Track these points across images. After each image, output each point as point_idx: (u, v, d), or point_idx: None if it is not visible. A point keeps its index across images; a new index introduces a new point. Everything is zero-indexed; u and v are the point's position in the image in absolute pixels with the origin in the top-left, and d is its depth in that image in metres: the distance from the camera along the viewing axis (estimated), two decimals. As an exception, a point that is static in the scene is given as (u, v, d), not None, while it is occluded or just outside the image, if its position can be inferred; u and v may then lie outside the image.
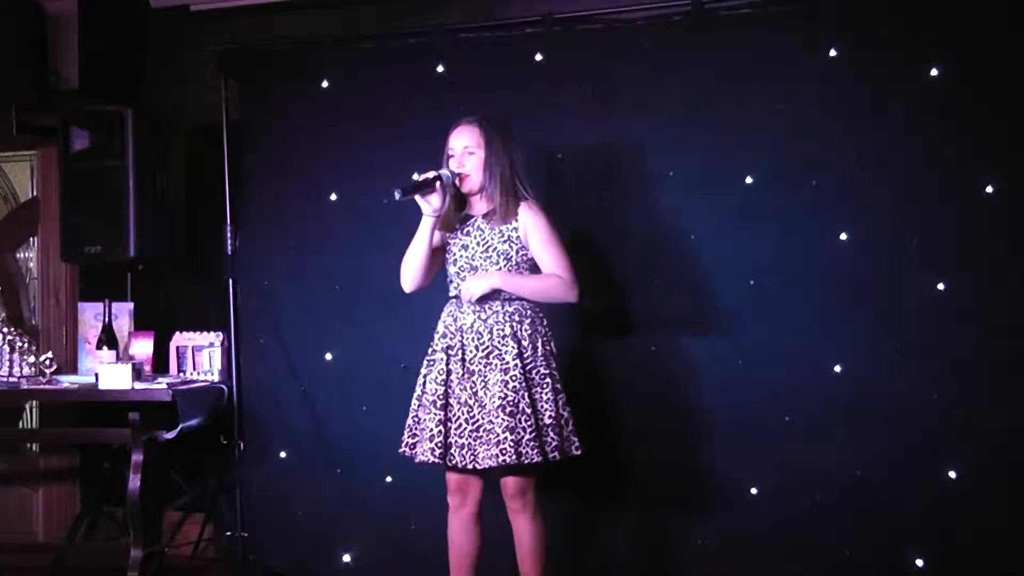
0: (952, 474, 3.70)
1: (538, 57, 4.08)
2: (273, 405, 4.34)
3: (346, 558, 4.19)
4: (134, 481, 3.96)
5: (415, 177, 3.28)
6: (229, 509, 4.41)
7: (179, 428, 4.01)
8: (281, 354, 4.32)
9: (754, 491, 3.86)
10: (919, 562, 3.71)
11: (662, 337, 3.95)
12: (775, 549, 3.83)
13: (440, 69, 4.17)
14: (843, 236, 3.79)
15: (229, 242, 4.39)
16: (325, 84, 4.30)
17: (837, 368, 3.79)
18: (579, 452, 3.29)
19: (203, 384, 4.24)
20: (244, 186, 4.40)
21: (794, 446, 3.81)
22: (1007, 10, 3.69)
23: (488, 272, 3.25)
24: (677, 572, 3.93)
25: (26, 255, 5.00)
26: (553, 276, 3.26)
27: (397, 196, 3.16)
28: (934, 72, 3.72)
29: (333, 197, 4.28)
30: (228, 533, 4.41)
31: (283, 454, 4.32)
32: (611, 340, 3.96)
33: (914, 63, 3.74)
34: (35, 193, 4.95)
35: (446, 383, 3.25)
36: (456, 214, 3.36)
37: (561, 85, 4.04)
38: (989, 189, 3.69)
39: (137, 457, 3.97)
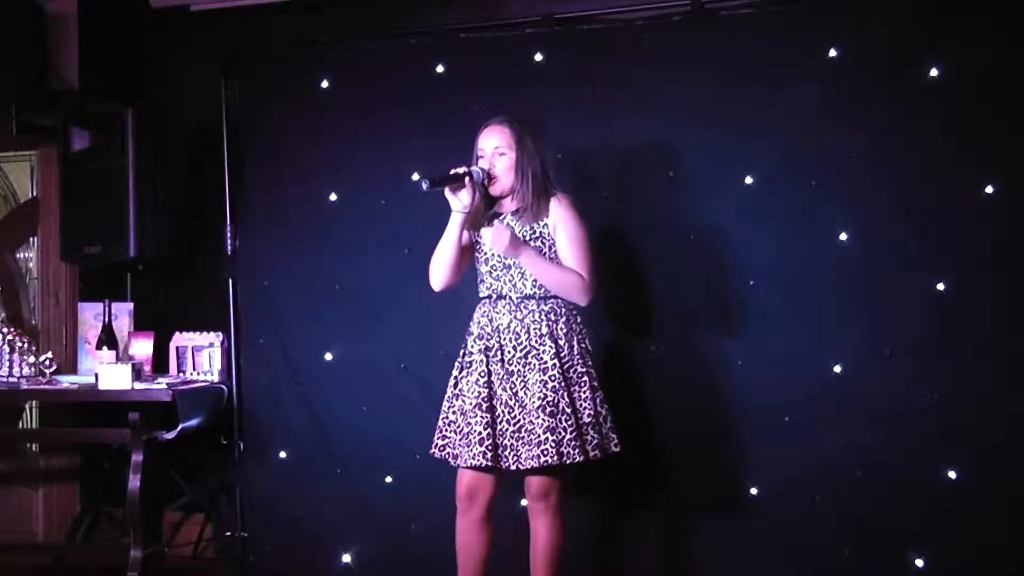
0: (952, 474, 3.70)
1: (538, 57, 4.08)
2: (273, 405, 4.34)
3: (346, 558, 4.19)
4: (134, 481, 3.96)
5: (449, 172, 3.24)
6: (229, 509, 4.41)
7: (179, 428, 4.01)
8: (281, 354, 4.32)
9: (754, 491, 3.86)
10: (919, 562, 3.72)
11: (662, 337, 3.95)
12: (775, 549, 3.83)
13: (440, 69, 4.17)
14: (843, 236, 3.79)
15: (229, 242, 4.39)
16: (325, 84, 4.30)
17: (837, 368, 3.79)
18: (618, 448, 3.29)
19: (203, 384, 4.24)
20: (244, 186, 4.40)
21: (794, 446, 3.81)
22: (1007, 10, 3.69)
23: (522, 243, 3.19)
24: (677, 572, 3.93)
25: (26, 255, 4.99)
26: (574, 273, 3.23)
27: (424, 186, 3.14)
28: (934, 72, 3.73)
29: (333, 197, 4.28)
30: (228, 533, 4.41)
31: (283, 454, 4.32)
32: (611, 340, 3.96)
33: (914, 63, 3.74)
34: (35, 193, 4.95)
35: (488, 384, 3.21)
36: (483, 211, 3.33)
37: (561, 85, 4.04)
38: (989, 189, 3.69)
39: (137, 457, 3.97)
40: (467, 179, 3.20)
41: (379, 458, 4.18)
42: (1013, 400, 3.66)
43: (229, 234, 4.39)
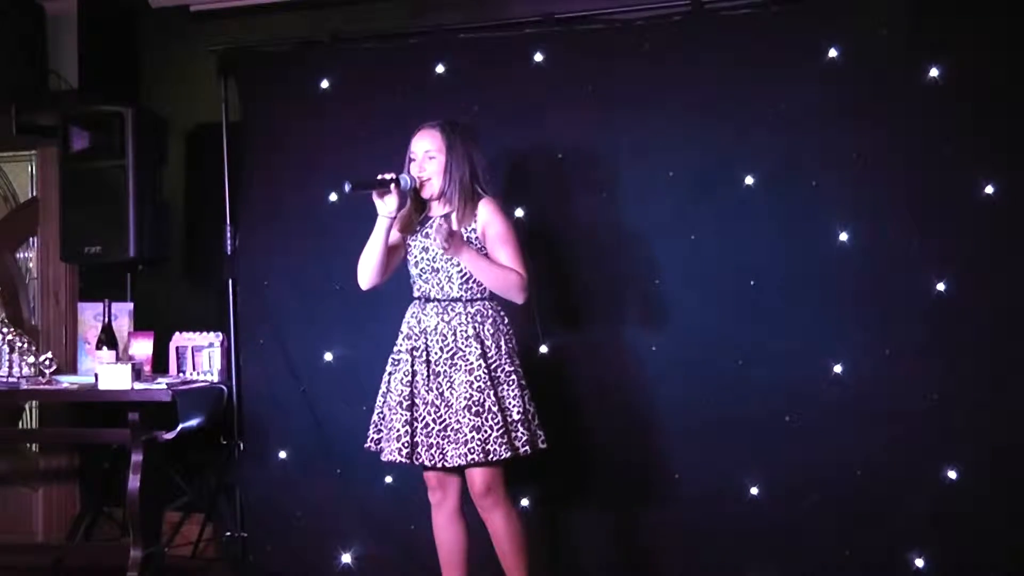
0: (952, 474, 3.70)
1: (538, 57, 4.08)
2: (273, 405, 4.34)
3: (346, 558, 4.19)
4: (134, 481, 3.96)
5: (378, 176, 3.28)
6: (229, 509, 4.41)
7: (179, 428, 4.01)
8: (281, 354, 4.32)
9: (754, 491, 3.86)
10: (919, 562, 3.71)
11: (662, 337, 3.95)
12: (775, 549, 3.83)
13: (440, 69, 4.17)
14: (843, 236, 3.79)
15: (229, 242, 4.39)
16: (325, 84, 4.30)
17: (837, 368, 3.79)
18: (545, 445, 3.36)
19: (203, 384, 4.23)
20: (244, 186, 4.40)
21: (794, 446, 3.81)
22: (1007, 10, 3.69)
23: (463, 243, 3.22)
24: (677, 572, 3.92)
25: (26, 255, 4.99)
26: (512, 270, 3.27)
27: (347, 189, 3.21)
28: (934, 72, 3.73)
29: (333, 197, 4.28)
30: (228, 533, 4.41)
31: (283, 454, 4.32)
32: (611, 340, 3.96)
33: (914, 63, 3.74)
34: (35, 193, 4.95)
35: (411, 384, 3.31)
36: (415, 216, 3.40)
37: (561, 85, 4.04)
38: (989, 189, 3.69)
39: (137, 457, 3.97)
40: (392, 185, 3.25)
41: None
42: (1013, 400, 3.66)
43: (229, 234, 4.39)
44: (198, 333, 4.34)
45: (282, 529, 4.29)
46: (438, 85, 4.17)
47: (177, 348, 4.33)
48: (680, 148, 3.94)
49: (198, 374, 4.30)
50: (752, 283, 3.87)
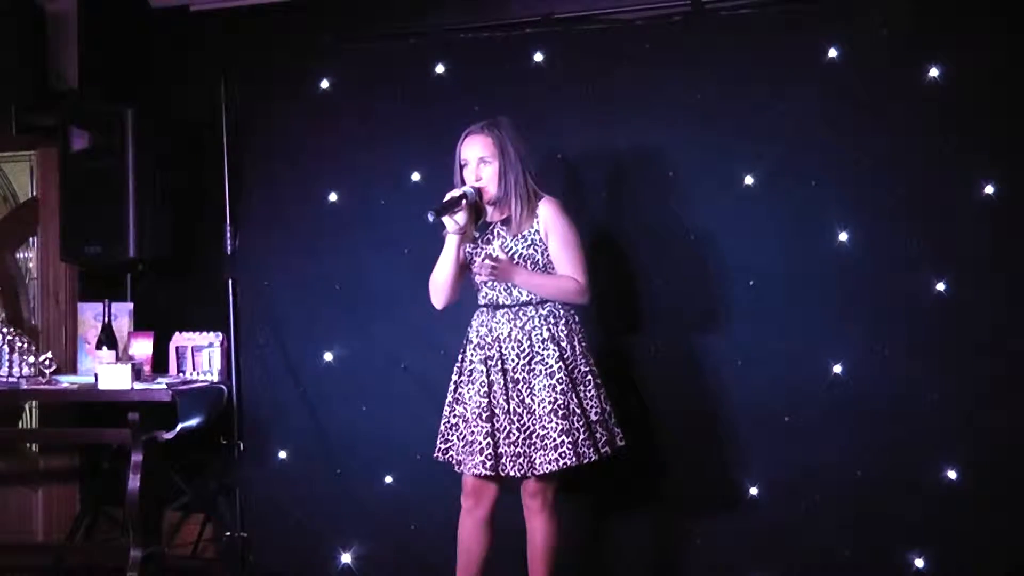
0: (952, 474, 3.70)
1: (538, 57, 4.08)
2: (273, 405, 4.34)
3: (346, 558, 4.19)
4: (134, 481, 3.96)
5: (446, 196, 3.25)
6: (229, 509, 4.41)
7: (179, 428, 4.00)
8: (281, 354, 4.32)
9: (754, 491, 3.86)
10: (919, 562, 3.71)
11: (662, 337, 3.95)
12: (775, 549, 3.83)
13: (440, 69, 4.17)
14: (843, 236, 3.79)
15: (229, 242, 4.39)
16: (325, 84, 4.30)
17: (837, 368, 3.79)
18: (623, 443, 3.34)
19: (203, 384, 4.23)
20: (244, 186, 4.40)
21: (794, 446, 3.81)
22: (1007, 10, 3.69)
23: (513, 266, 3.23)
24: (677, 572, 3.93)
25: (26, 255, 4.99)
26: (568, 279, 3.27)
27: (430, 218, 3.17)
28: (934, 72, 3.72)
29: (333, 197, 4.28)
30: (228, 533, 4.41)
31: (283, 454, 4.32)
32: (611, 340, 3.96)
33: (914, 63, 3.74)
34: (35, 193, 4.94)
35: (489, 395, 3.24)
36: (473, 224, 3.35)
37: (561, 85, 4.04)
38: (989, 189, 3.69)
39: (137, 457, 3.97)
40: (463, 201, 3.23)
41: (379, 458, 4.18)
42: (1013, 400, 3.66)
43: (229, 234, 4.39)
44: (198, 333, 4.33)
45: (282, 529, 4.29)
46: (438, 85, 4.17)
47: (177, 348, 4.33)
48: (680, 148, 3.94)
49: (198, 374, 4.30)
50: (752, 283, 3.87)
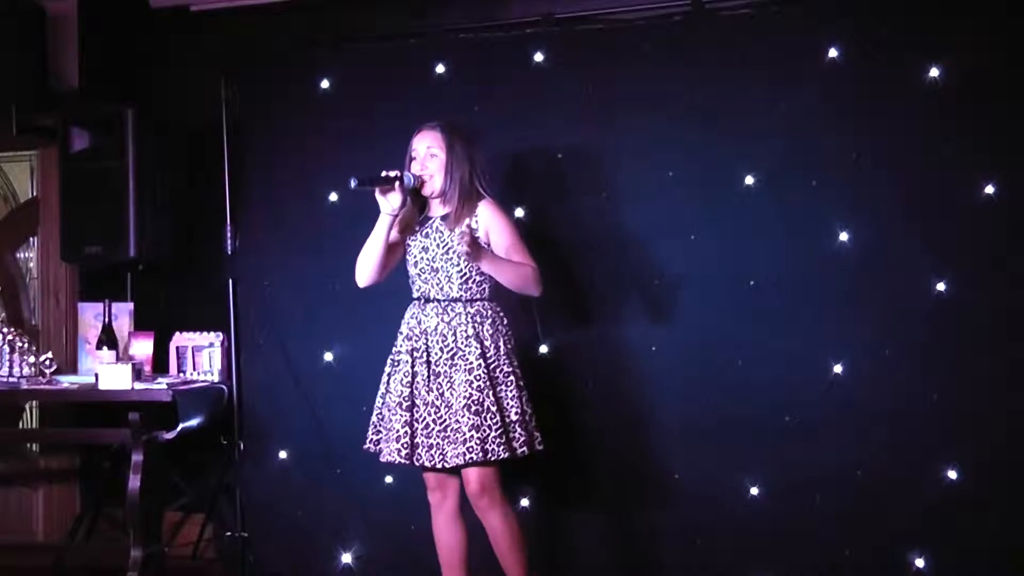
0: (952, 474, 3.70)
1: (538, 57, 4.08)
2: (273, 405, 4.34)
3: (346, 558, 4.19)
4: (134, 481, 3.96)
5: (382, 173, 3.30)
6: (229, 509, 4.41)
7: (179, 428, 4.01)
8: (281, 354, 4.32)
9: (754, 491, 3.86)
10: (919, 562, 3.72)
11: (662, 337, 3.95)
12: (775, 549, 3.83)
13: (440, 69, 4.17)
14: (843, 236, 3.79)
15: (229, 242, 4.39)
16: (325, 84, 4.30)
17: (837, 368, 3.79)
18: (542, 447, 3.37)
19: (203, 384, 4.23)
20: (244, 186, 4.40)
21: (794, 446, 3.81)
22: (1007, 10, 3.69)
23: (485, 249, 3.24)
24: (677, 572, 3.92)
25: (26, 255, 4.99)
26: (526, 265, 3.30)
27: (352, 184, 3.25)
28: (934, 72, 3.72)
29: (333, 197, 4.28)
30: (228, 533, 4.41)
31: (283, 454, 4.32)
32: (611, 340, 3.96)
33: (914, 63, 3.74)
34: (35, 193, 4.95)
35: (411, 385, 3.32)
36: (415, 216, 3.42)
37: (561, 85, 4.04)
38: (989, 189, 3.69)
39: (137, 457, 3.97)
40: (397, 183, 3.28)
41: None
42: (1013, 400, 3.66)
43: (229, 234, 4.39)
44: (198, 333, 4.34)
45: (282, 529, 4.29)
46: (438, 85, 4.17)
47: (177, 348, 4.33)
48: (680, 148, 3.94)
49: (198, 374, 4.30)
50: (752, 283, 3.87)
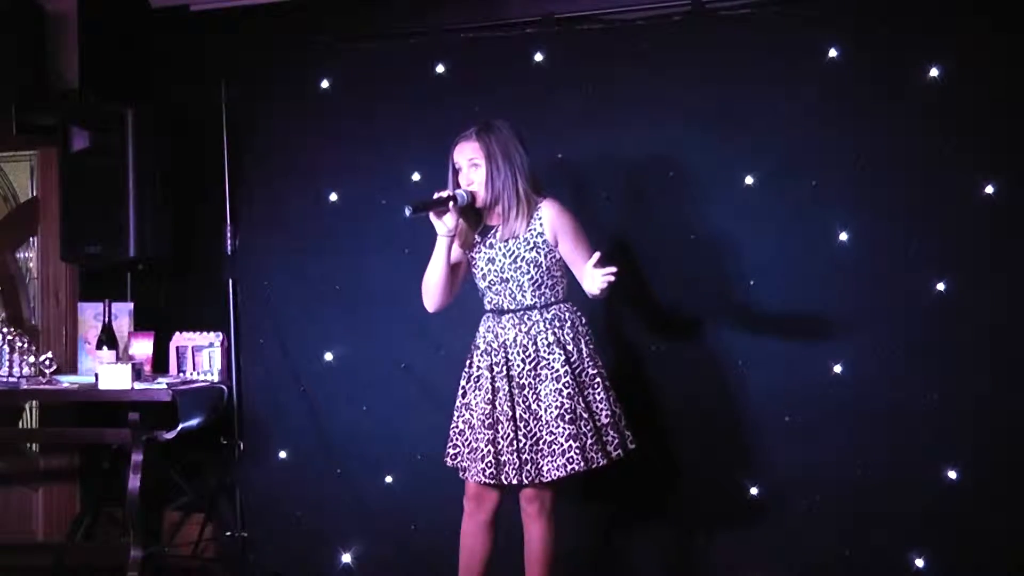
0: (952, 474, 3.70)
1: (538, 57, 4.08)
2: (273, 405, 4.34)
3: (346, 558, 4.20)
4: (134, 481, 3.96)
5: (434, 195, 3.21)
6: (229, 509, 4.41)
7: (179, 428, 4.01)
8: (281, 354, 4.32)
9: (754, 491, 3.86)
10: (919, 562, 3.72)
11: (662, 337, 3.95)
12: (775, 549, 3.83)
13: (440, 69, 4.18)
14: (843, 236, 3.79)
15: (229, 242, 4.39)
16: (325, 84, 4.30)
17: (837, 368, 3.80)
18: (633, 445, 3.30)
19: (203, 384, 4.23)
20: (244, 186, 4.40)
21: (794, 446, 3.81)
22: (1007, 10, 3.69)
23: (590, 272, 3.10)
24: (676, 572, 3.93)
25: (26, 255, 4.99)
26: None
27: (408, 213, 3.11)
28: (934, 72, 3.73)
29: (333, 197, 4.28)
30: (228, 533, 4.41)
31: (283, 454, 4.32)
32: (611, 340, 3.96)
33: (914, 63, 3.75)
34: (35, 193, 4.94)
35: (493, 402, 3.20)
36: (473, 230, 3.32)
37: (561, 85, 4.04)
38: (989, 189, 3.69)
39: (137, 457, 3.97)
40: (450, 203, 3.18)
41: (379, 458, 4.18)
42: (1013, 400, 3.66)
43: (229, 234, 4.39)
44: (198, 333, 4.33)
45: (282, 529, 4.30)
46: (438, 85, 4.17)
47: (177, 348, 4.33)
48: (680, 148, 3.94)
49: (198, 374, 4.30)
50: (752, 283, 3.87)
